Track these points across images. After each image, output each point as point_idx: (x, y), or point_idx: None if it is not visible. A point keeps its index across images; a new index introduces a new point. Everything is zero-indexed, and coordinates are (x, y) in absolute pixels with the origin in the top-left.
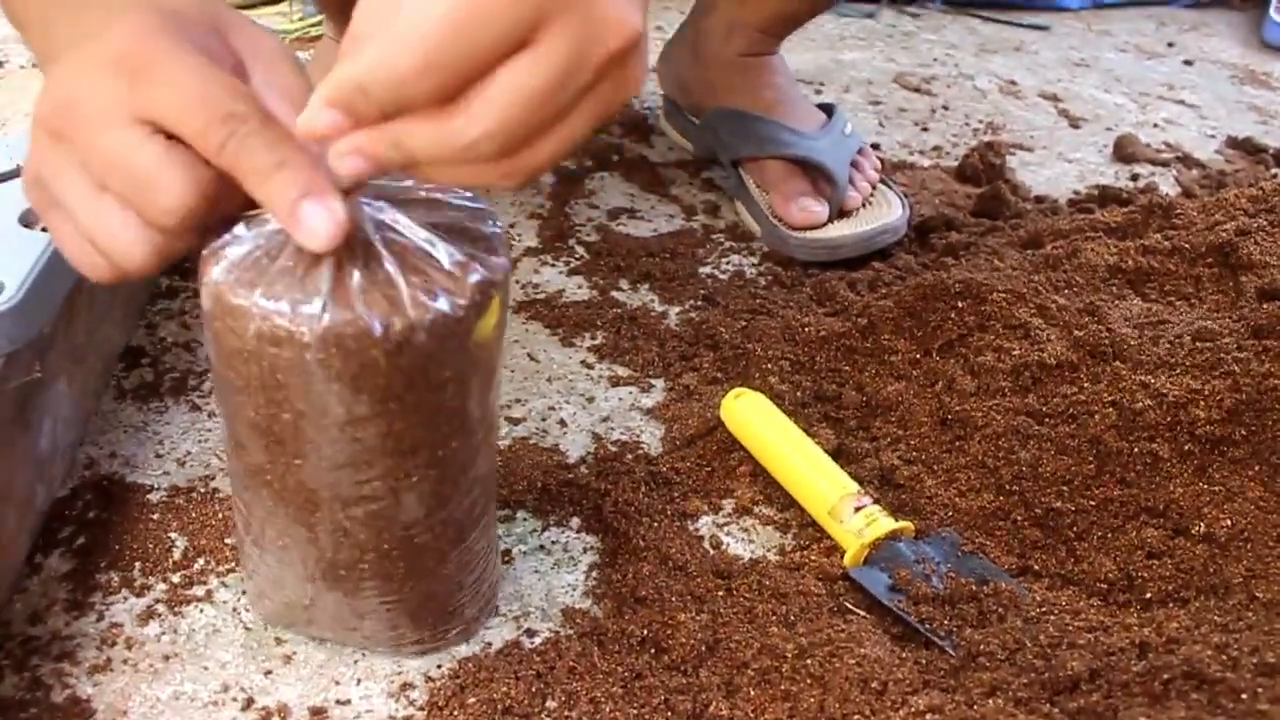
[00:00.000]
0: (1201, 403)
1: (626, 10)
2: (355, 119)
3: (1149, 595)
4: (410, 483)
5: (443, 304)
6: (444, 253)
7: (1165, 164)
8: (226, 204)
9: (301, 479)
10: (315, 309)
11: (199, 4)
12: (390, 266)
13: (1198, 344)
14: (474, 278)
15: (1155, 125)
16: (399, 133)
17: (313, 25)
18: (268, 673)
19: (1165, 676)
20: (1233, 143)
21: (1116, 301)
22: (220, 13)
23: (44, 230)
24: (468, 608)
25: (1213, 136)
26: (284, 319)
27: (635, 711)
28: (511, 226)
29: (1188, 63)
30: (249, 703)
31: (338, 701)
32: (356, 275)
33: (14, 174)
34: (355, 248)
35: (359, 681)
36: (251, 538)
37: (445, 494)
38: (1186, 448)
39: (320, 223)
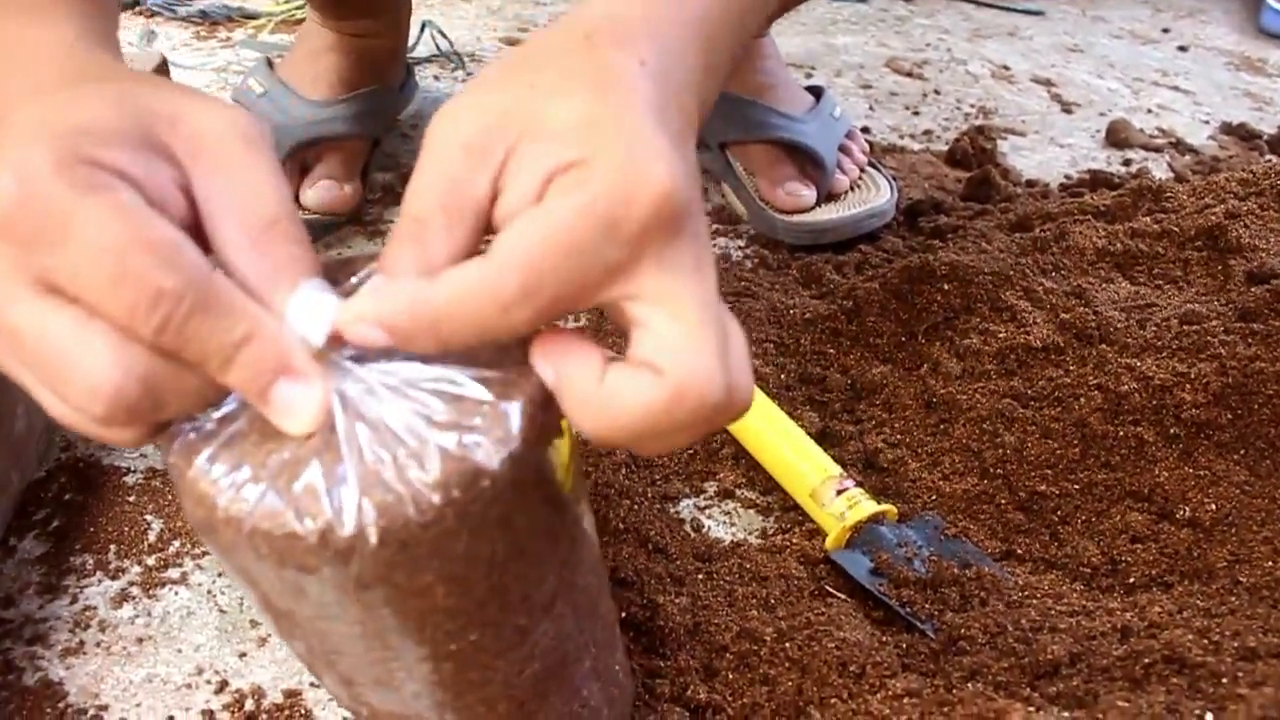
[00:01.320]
0: (1187, 386)
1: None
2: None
3: (1132, 580)
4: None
5: (486, 452)
6: (468, 381)
7: (1158, 149)
8: (178, 383)
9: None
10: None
11: (118, 101)
12: (395, 430)
13: (1185, 327)
14: (515, 404)
15: (1149, 111)
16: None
17: (297, 8)
18: (242, 655)
19: (1146, 660)
20: (1227, 129)
21: (1104, 285)
22: (148, 108)
23: None
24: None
25: (1207, 122)
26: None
27: None
28: None
29: (1183, 49)
30: (223, 685)
31: (311, 684)
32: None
33: None
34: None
35: None
36: None
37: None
38: (1172, 431)
39: (302, 406)
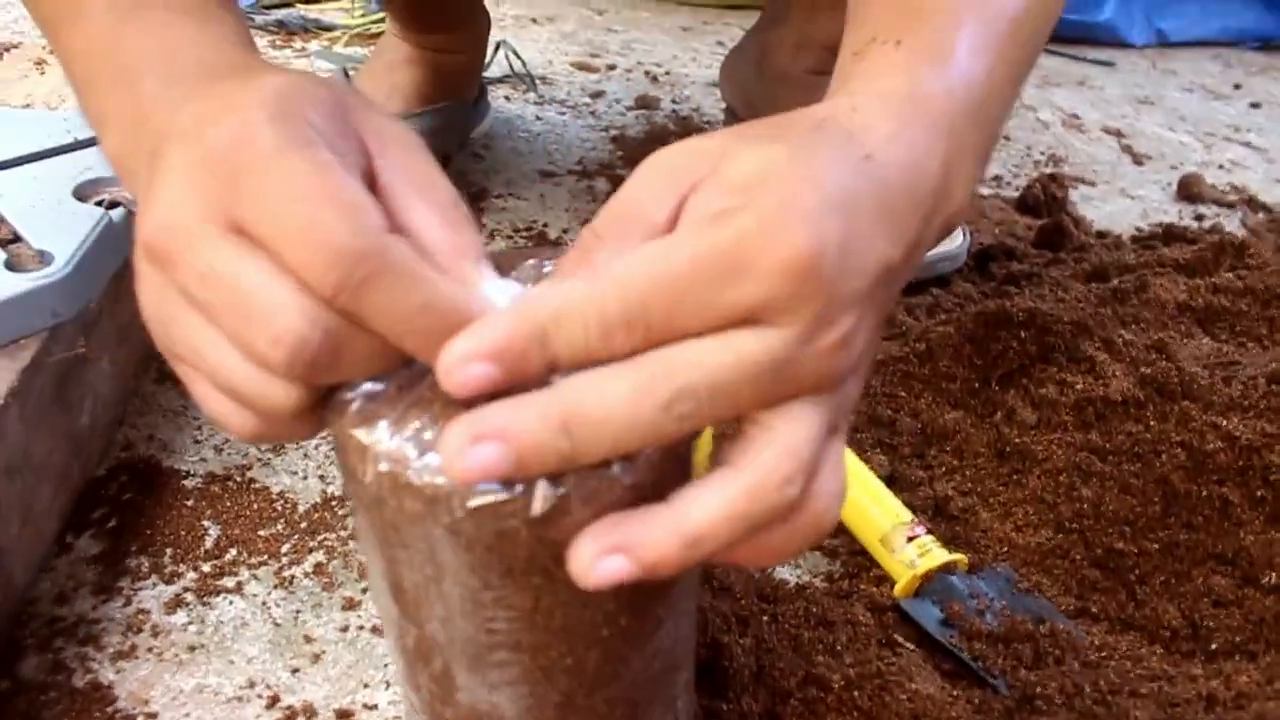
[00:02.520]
0: (1276, 448)
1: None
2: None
3: (1215, 646)
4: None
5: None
6: None
7: (1231, 205)
8: (358, 343)
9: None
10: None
11: (325, 83)
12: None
13: (1273, 387)
14: None
15: (1220, 166)
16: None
17: (374, 21)
18: (295, 671)
19: None
20: None
21: (1185, 340)
22: (344, 90)
23: (99, 203)
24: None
25: (1279, 181)
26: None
27: None
28: (565, 232)
29: (1255, 105)
30: (274, 700)
31: (365, 706)
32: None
33: (71, 147)
34: None
35: (388, 685)
36: None
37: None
38: (1259, 494)
39: (475, 369)
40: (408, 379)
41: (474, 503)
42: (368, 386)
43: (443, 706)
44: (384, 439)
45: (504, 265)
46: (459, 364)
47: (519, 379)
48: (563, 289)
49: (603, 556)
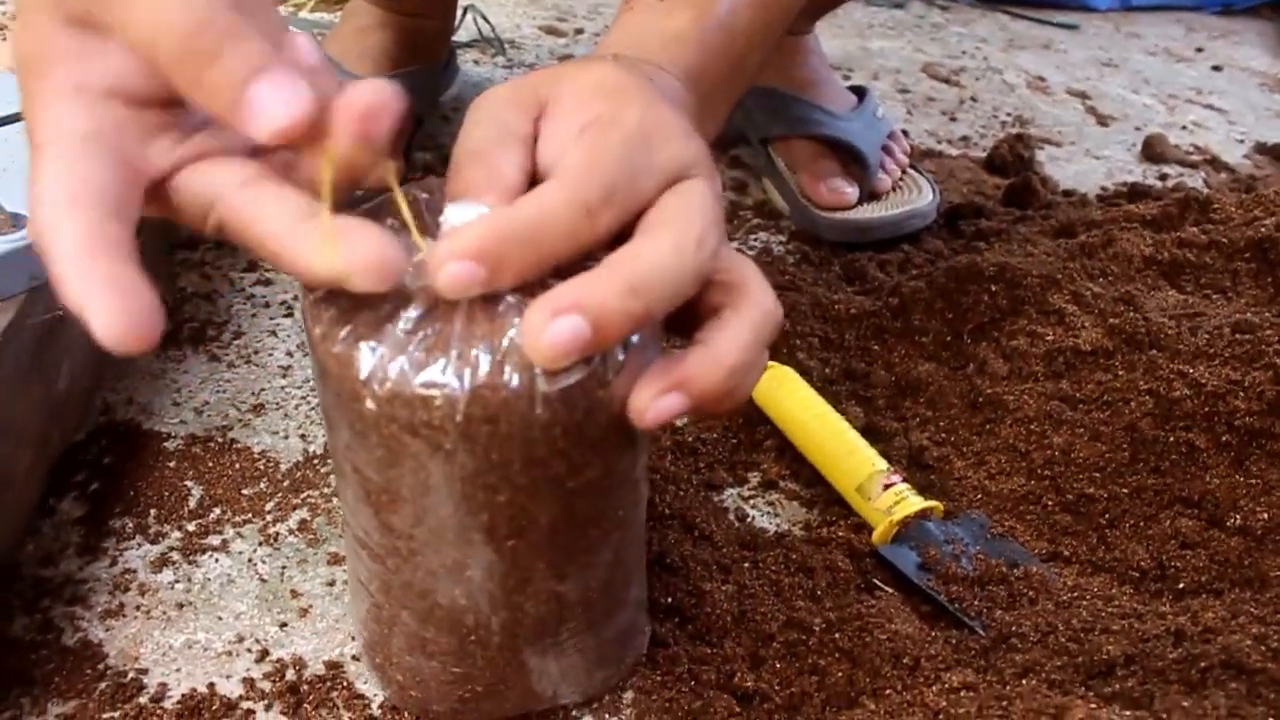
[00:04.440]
0: (1241, 394)
1: None
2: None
3: (1182, 585)
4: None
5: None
6: None
7: (1194, 165)
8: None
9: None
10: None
11: None
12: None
13: (1237, 336)
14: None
15: (1184, 128)
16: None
17: None
18: (283, 625)
19: (1203, 665)
20: (1261, 148)
21: (1152, 292)
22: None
23: None
24: (644, 624)
25: (1241, 141)
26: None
27: (659, 679)
28: None
29: (1217, 68)
30: (263, 654)
31: (353, 657)
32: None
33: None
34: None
35: None
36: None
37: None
38: (1224, 438)
39: (275, 105)
40: (388, 312)
41: (406, 398)
42: (362, 319)
43: (416, 601)
44: (346, 344)
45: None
46: (457, 262)
47: (514, 279)
48: (537, 194)
49: (662, 395)
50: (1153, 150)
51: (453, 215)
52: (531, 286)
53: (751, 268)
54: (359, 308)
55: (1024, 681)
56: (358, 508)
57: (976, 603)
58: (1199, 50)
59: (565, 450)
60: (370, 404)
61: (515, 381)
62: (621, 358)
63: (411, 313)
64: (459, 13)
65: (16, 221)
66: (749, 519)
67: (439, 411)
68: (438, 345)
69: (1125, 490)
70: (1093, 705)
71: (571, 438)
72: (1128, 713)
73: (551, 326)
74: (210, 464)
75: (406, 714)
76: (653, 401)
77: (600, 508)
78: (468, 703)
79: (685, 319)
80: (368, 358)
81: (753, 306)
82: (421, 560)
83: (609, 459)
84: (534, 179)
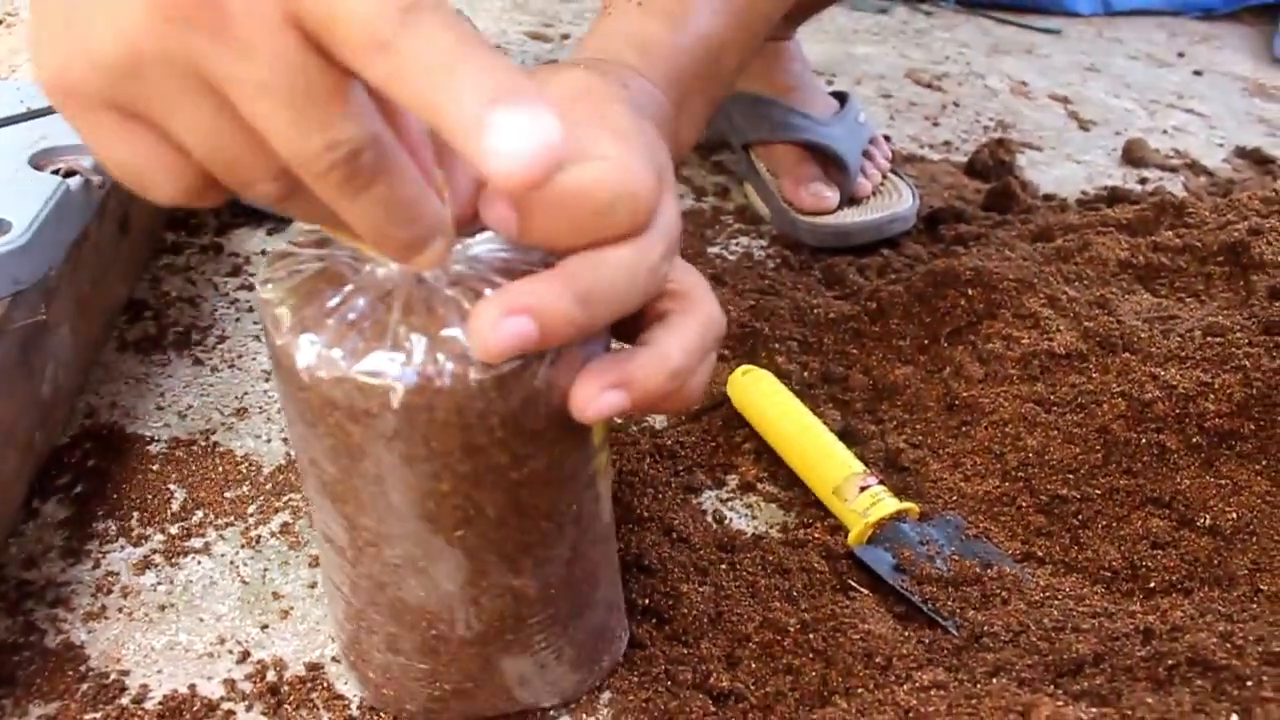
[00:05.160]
0: (1211, 396)
1: None
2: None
3: (1153, 584)
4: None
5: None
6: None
7: (1174, 170)
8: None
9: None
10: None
11: None
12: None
13: (1208, 339)
14: None
15: (1164, 132)
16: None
17: None
18: (264, 627)
19: (1170, 662)
20: (1241, 152)
21: (1126, 296)
22: None
23: (55, 173)
24: (619, 628)
25: (1221, 145)
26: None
27: (635, 679)
28: None
29: (1197, 73)
30: (244, 655)
31: (333, 659)
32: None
33: (25, 116)
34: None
35: None
36: (380, 638)
37: (594, 515)
38: (1194, 440)
39: (521, 137)
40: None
41: (347, 386)
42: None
43: (388, 608)
44: (293, 337)
45: None
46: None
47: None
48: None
49: (604, 391)
50: (1133, 155)
51: None
52: (469, 279)
53: (696, 276)
54: (307, 302)
55: (994, 680)
56: (319, 501)
57: (950, 603)
58: (1180, 55)
59: (505, 440)
60: (313, 393)
61: (449, 369)
62: (557, 349)
63: (357, 303)
64: None
65: (2, 227)
66: (727, 521)
67: (377, 399)
68: (375, 335)
69: (1098, 491)
70: (1060, 703)
71: (510, 428)
72: (1094, 710)
73: (501, 324)
74: (193, 467)
75: (383, 714)
76: (595, 397)
77: (551, 501)
78: (439, 701)
79: (630, 323)
80: (308, 348)
81: (699, 313)
82: (379, 553)
83: (554, 452)
84: None
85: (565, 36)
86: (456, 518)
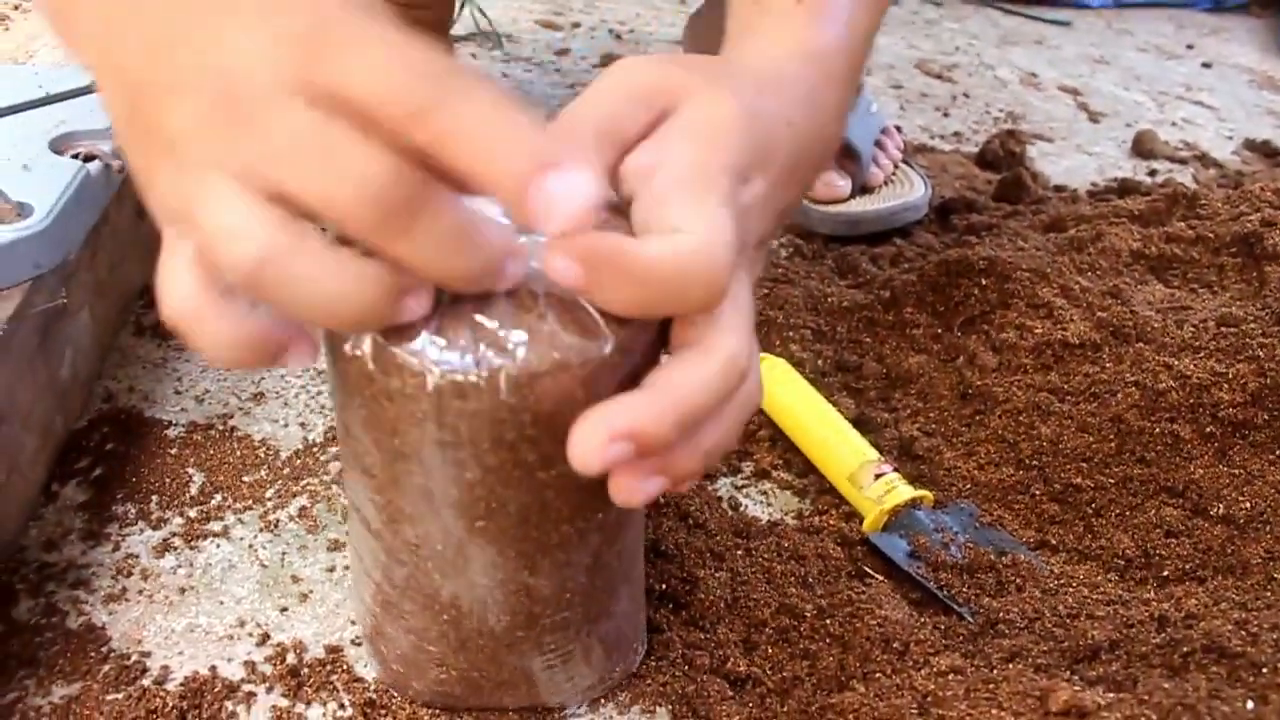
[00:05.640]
0: (1225, 386)
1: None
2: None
3: (1167, 573)
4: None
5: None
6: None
7: (1183, 161)
8: (431, 194)
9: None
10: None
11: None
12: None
13: (1222, 329)
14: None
15: (1173, 124)
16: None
17: None
18: (284, 610)
19: (1185, 649)
20: (1250, 145)
21: (1139, 286)
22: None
23: (75, 157)
24: (636, 641)
25: (1230, 138)
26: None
27: (653, 664)
28: None
29: (1206, 65)
30: (264, 638)
31: (353, 641)
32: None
33: (44, 101)
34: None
35: None
36: (404, 624)
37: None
38: (1208, 429)
39: (566, 198)
40: None
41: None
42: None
43: (425, 602)
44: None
45: None
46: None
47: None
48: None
49: (610, 443)
50: (1143, 146)
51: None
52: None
53: (737, 314)
54: None
55: (1010, 666)
56: (353, 475)
57: (965, 590)
58: (1189, 47)
59: (535, 439)
60: (354, 366)
61: (488, 359)
62: (606, 352)
63: None
64: (457, 6)
65: (22, 211)
66: (742, 508)
67: (413, 380)
68: (420, 318)
69: (1111, 480)
70: (1077, 688)
71: (542, 427)
72: (1111, 695)
73: (605, 450)
74: (211, 451)
75: (396, 695)
76: (601, 447)
77: (575, 505)
78: (444, 684)
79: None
80: None
81: (722, 348)
82: (401, 530)
83: None
84: (614, 173)
85: (576, 25)
86: (479, 508)
